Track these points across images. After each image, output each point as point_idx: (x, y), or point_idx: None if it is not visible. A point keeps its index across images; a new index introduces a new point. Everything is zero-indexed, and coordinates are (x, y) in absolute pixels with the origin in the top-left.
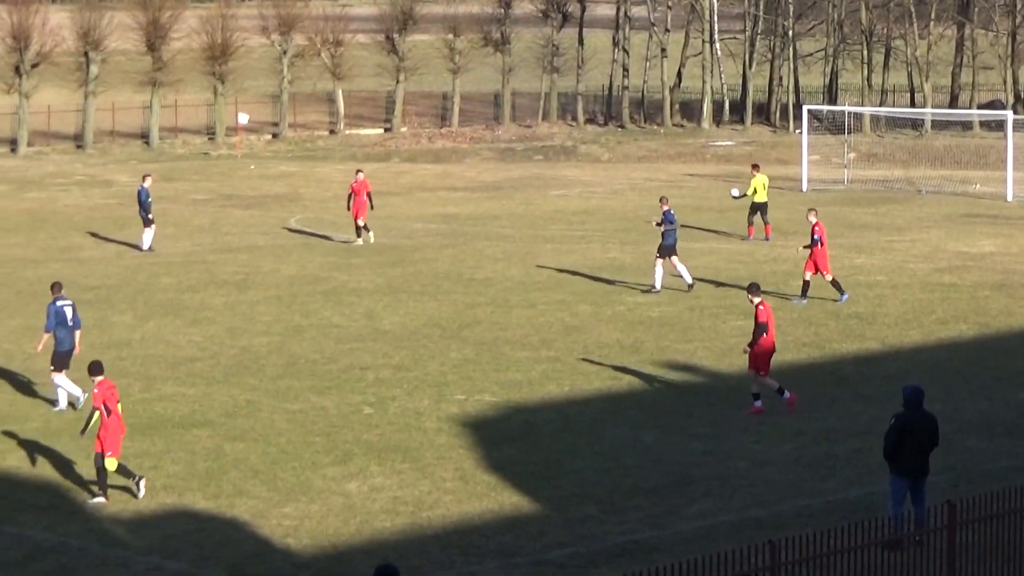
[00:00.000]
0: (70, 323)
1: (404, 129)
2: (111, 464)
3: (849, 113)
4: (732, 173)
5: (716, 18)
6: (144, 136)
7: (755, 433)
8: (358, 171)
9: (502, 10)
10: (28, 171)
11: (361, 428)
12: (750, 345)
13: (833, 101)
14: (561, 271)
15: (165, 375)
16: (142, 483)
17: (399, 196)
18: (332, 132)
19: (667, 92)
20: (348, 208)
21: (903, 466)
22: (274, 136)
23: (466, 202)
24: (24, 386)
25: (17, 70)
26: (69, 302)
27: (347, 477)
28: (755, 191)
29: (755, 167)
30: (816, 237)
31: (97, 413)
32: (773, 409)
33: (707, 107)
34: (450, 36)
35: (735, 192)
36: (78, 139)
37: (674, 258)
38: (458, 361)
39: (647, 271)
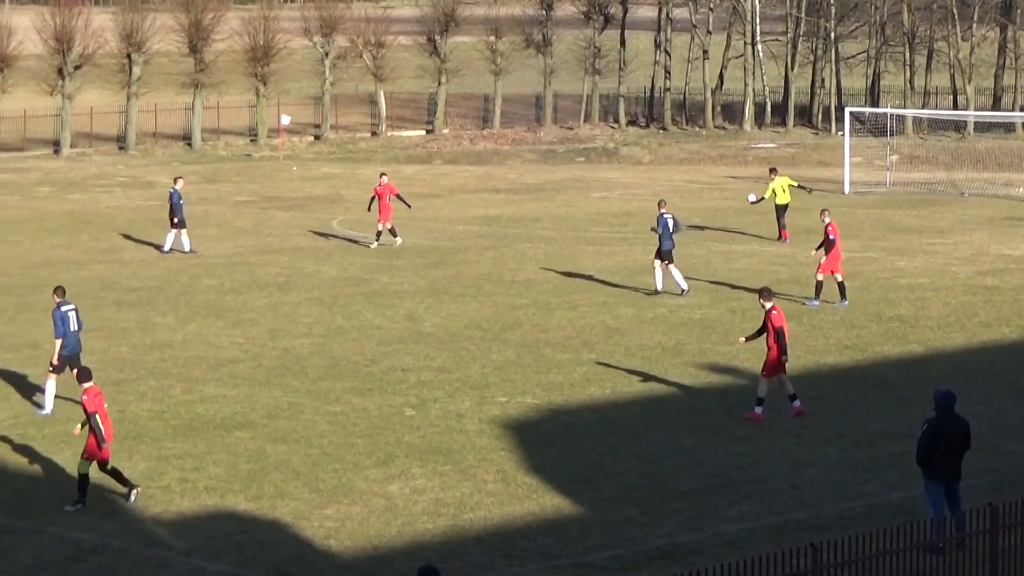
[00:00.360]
0: (73, 327)
1: (446, 131)
2: (83, 466)
3: (891, 115)
4: None
5: (758, 20)
6: (186, 138)
7: (796, 436)
8: (382, 174)
9: (544, 12)
10: (71, 172)
11: (403, 430)
12: (782, 353)
13: (875, 103)
14: (603, 273)
15: (207, 376)
16: (79, 507)
17: (441, 198)
18: (374, 134)
19: (709, 94)
20: (368, 210)
21: (937, 470)
22: (316, 138)
23: (508, 204)
24: (67, 387)
25: (60, 72)
26: (72, 306)
27: (389, 479)
28: (773, 194)
29: (772, 171)
30: (831, 238)
31: (97, 417)
32: (815, 412)
33: (749, 109)
34: (492, 38)
35: (752, 197)
36: (120, 141)
37: (670, 265)
38: (499, 363)
39: (689, 272)
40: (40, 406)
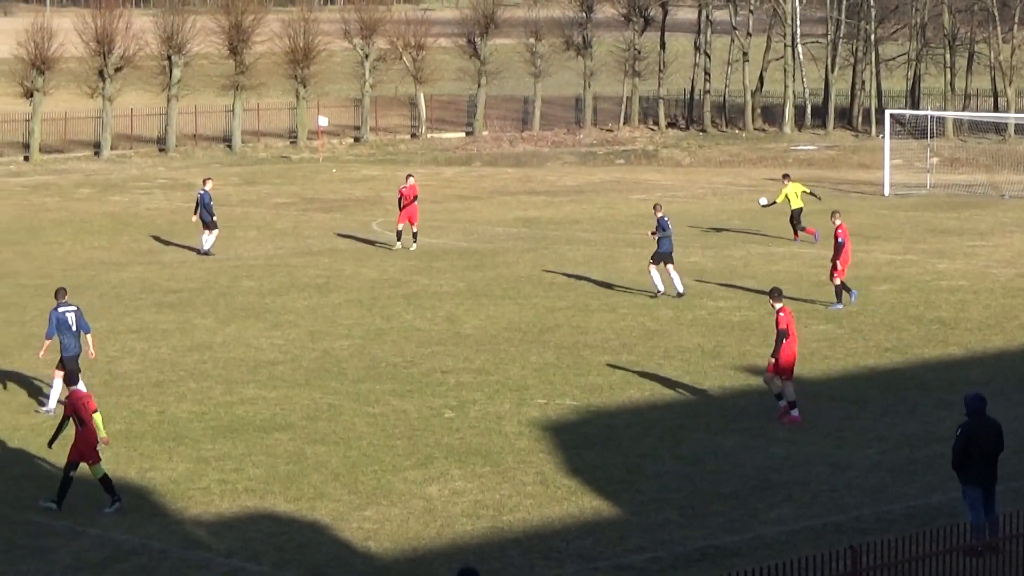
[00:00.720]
0: (74, 329)
1: (485, 133)
2: (98, 471)
3: (932, 117)
4: (814, 177)
5: (798, 22)
6: (226, 140)
7: (836, 438)
8: (408, 176)
9: (584, 14)
10: (111, 174)
11: (442, 432)
12: (772, 354)
13: (916, 105)
14: (642, 275)
15: (246, 378)
16: (117, 506)
17: (480, 200)
18: (414, 136)
19: (749, 96)
20: (400, 210)
21: (972, 474)
22: (356, 140)
23: (547, 206)
24: (106, 388)
25: (101, 74)
26: (73, 308)
27: (428, 480)
28: (786, 198)
29: (785, 176)
30: (840, 240)
31: (69, 422)
32: (855, 414)
33: (789, 111)
34: (531, 40)
35: (763, 201)
36: (161, 143)
37: (669, 266)
38: (539, 365)
39: (728, 275)
40: (42, 403)
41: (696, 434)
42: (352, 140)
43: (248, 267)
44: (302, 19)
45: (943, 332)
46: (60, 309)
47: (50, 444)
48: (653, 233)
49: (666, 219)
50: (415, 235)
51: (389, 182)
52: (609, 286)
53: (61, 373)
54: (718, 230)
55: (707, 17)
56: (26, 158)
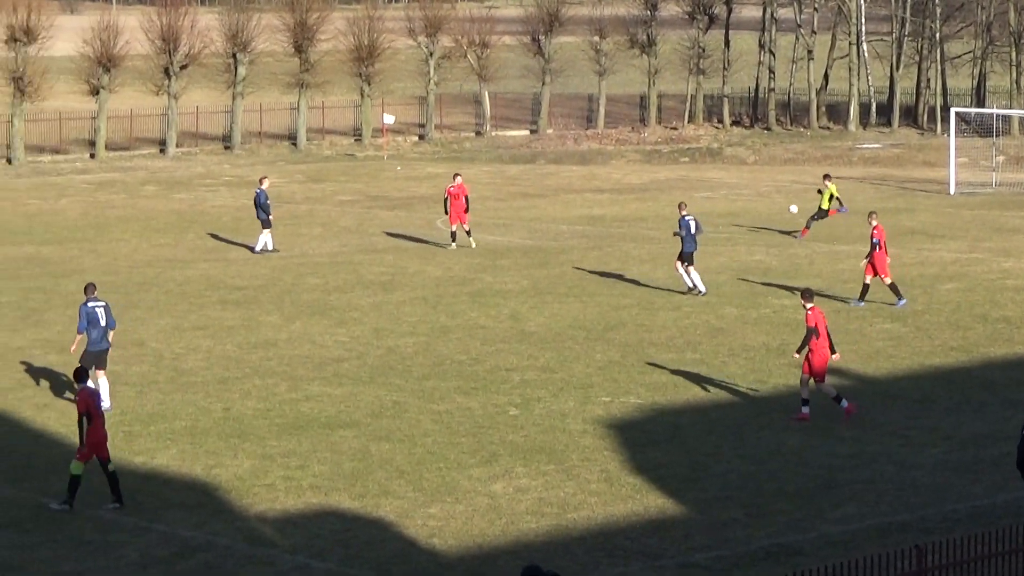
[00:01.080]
0: (102, 324)
1: (550, 131)
2: (76, 468)
3: (997, 116)
4: (878, 176)
5: (863, 20)
6: (291, 137)
7: (901, 437)
8: (455, 175)
9: (648, 12)
10: (177, 172)
11: (506, 429)
12: (798, 350)
13: (981, 103)
14: (707, 273)
15: (311, 375)
16: (113, 506)
17: (545, 198)
18: (478, 133)
19: (813, 94)
20: (445, 212)
21: None
22: (420, 137)
23: (612, 204)
24: (171, 385)
25: (166, 71)
26: (102, 303)
27: (492, 478)
28: (830, 197)
29: (827, 177)
30: (875, 240)
31: (84, 419)
32: (921, 413)
33: (854, 109)
34: (596, 38)
35: (794, 209)
36: (226, 140)
37: (689, 267)
38: (603, 363)
39: (794, 273)
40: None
41: (760, 432)
42: (417, 138)
43: (313, 264)
44: (367, 17)
45: (1009, 331)
46: (90, 304)
47: (80, 446)
48: (676, 233)
49: (688, 219)
50: (468, 233)
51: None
52: (673, 285)
53: (102, 372)
54: (786, 233)
55: (771, 15)
56: (92, 155)
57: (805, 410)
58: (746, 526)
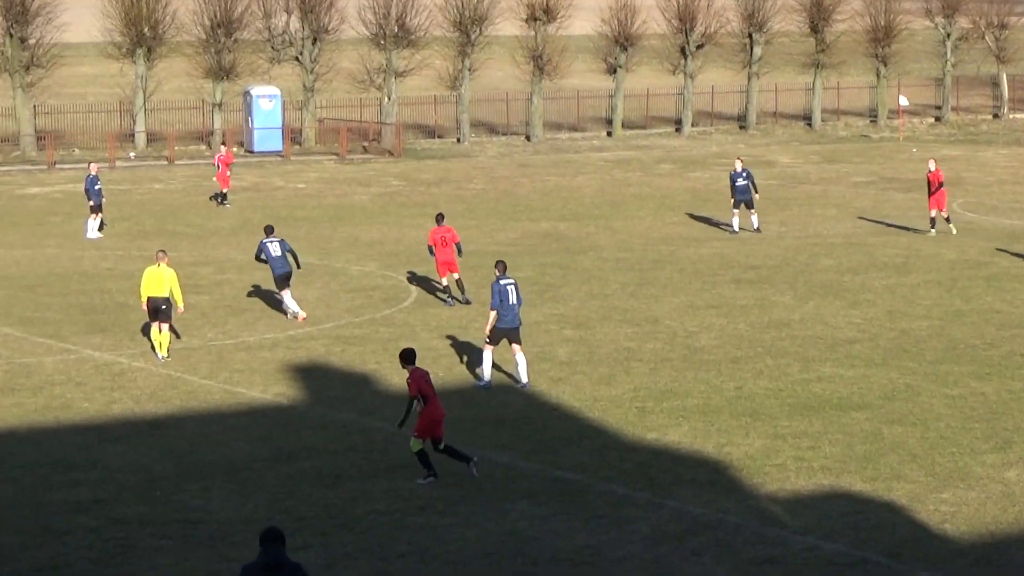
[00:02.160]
0: (512, 300)
1: None
2: (416, 444)
3: None
4: None
5: None
6: (806, 117)
7: None
8: (930, 160)
9: None
10: (692, 151)
11: (1022, 416)
12: None
13: None
14: None
15: (823, 356)
16: (473, 465)
17: None
18: (995, 116)
19: None
20: (929, 195)
21: None
22: (936, 120)
23: None
24: (684, 363)
25: (683, 51)
26: (512, 281)
27: (1007, 465)
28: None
29: None
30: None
31: (415, 402)
32: None
33: None
34: None
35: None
36: (741, 120)
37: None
38: None
39: None
40: (479, 378)
41: None
42: (932, 120)
43: (827, 245)
44: None
45: None
46: (502, 282)
47: (400, 425)
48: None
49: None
50: (947, 219)
51: (969, 163)
52: None
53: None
54: None
55: None
56: (609, 133)
57: None
58: None
